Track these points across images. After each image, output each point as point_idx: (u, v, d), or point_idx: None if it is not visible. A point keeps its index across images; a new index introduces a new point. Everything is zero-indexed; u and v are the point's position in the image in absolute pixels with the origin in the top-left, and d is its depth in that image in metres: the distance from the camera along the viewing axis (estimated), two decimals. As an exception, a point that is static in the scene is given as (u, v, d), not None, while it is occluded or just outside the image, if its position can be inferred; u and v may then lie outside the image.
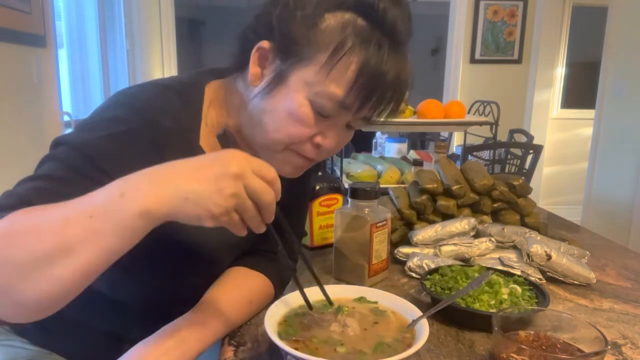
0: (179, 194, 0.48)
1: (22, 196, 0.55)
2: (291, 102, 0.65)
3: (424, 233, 0.99)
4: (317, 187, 1.05)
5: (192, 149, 0.69)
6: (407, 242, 1.03)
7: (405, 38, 0.66)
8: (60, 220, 0.48)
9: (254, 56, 0.68)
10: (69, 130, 2.44)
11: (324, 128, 0.68)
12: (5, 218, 0.50)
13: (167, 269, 0.72)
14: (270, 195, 0.52)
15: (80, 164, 0.60)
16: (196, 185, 0.48)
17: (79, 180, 0.58)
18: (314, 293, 0.68)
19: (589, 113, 3.72)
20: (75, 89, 2.87)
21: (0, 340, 0.79)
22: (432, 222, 1.04)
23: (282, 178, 0.83)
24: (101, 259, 0.48)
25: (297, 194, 0.89)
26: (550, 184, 4.54)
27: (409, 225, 1.07)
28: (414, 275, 0.93)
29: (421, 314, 0.63)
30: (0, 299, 0.48)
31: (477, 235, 1.02)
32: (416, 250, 0.98)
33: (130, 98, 0.67)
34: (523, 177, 1.18)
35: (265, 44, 0.67)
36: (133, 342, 0.62)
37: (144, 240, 0.51)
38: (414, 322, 0.62)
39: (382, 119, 0.72)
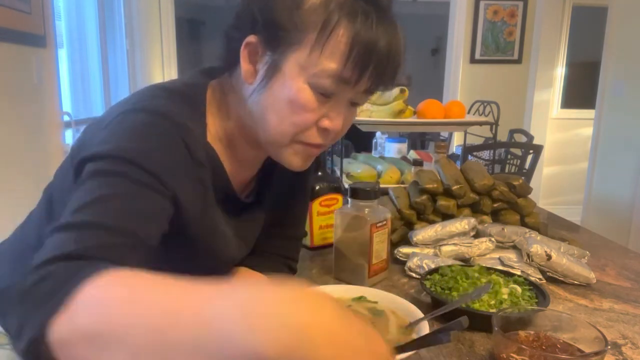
0: (305, 350, 0.34)
1: (92, 223, 0.51)
2: (290, 89, 0.64)
3: (424, 233, 0.99)
4: (317, 187, 1.05)
5: (207, 149, 0.69)
6: (407, 242, 1.03)
7: (389, 4, 0.66)
8: (169, 315, 0.39)
9: (243, 54, 0.67)
10: (69, 131, 2.44)
11: (328, 109, 0.67)
12: (101, 279, 0.42)
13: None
14: None
15: (127, 170, 0.56)
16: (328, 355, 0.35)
17: (135, 188, 0.56)
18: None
19: (589, 113, 3.72)
20: (75, 89, 2.87)
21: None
22: (432, 222, 1.04)
23: (282, 177, 0.84)
24: None
25: (297, 194, 0.89)
26: (550, 184, 4.54)
27: (409, 225, 1.07)
28: (414, 275, 0.93)
29: (421, 313, 0.63)
30: None
31: (477, 235, 1.02)
32: (416, 250, 0.98)
33: (144, 103, 0.65)
34: (523, 177, 1.18)
35: (252, 38, 0.66)
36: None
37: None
38: (414, 322, 0.62)
39: (381, 90, 0.71)
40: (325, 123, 0.68)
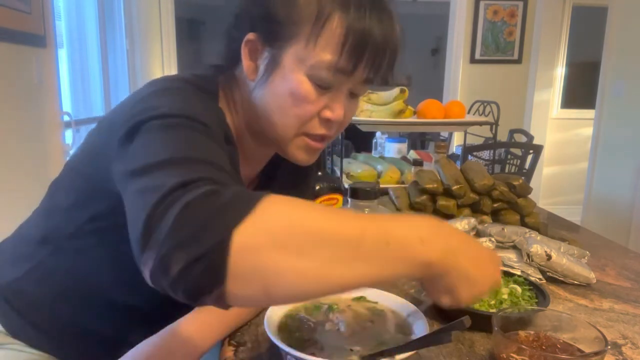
0: (459, 263, 0.49)
1: (197, 158, 0.50)
2: (290, 82, 0.66)
3: (424, 233, 0.99)
4: (317, 187, 1.05)
5: (230, 136, 0.70)
6: (407, 242, 1.02)
7: None
8: (358, 230, 0.45)
9: (244, 51, 0.68)
10: (69, 131, 2.44)
11: (329, 101, 0.68)
12: (263, 205, 0.43)
13: None
14: None
15: (198, 126, 0.56)
16: (473, 263, 0.51)
17: (209, 138, 0.56)
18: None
19: (589, 113, 3.72)
20: (75, 89, 2.87)
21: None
22: (432, 222, 1.04)
23: (285, 176, 0.84)
24: (367, 281, 0.46)
25: (299, 193, 0.89)
26: (550, 184, 4.54)
27: (409, 225, 1.07)
28: (414, 275, 0.92)
29: (421, 313, 0.62)
30: (255, 284, 0.42)
31: (477, 235, 1.02)
32: (416, 250, 0.98)
33: (174, 84, 0.66)
34: (523, 177, 1.18)
35: (251, 36, 0.68)
36: (132, 345, 0.62)
37: None
38: (414, 322, 0.62)
39: (368, 90, 0.72)
40: (327, 114, 0.69)
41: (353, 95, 0.72)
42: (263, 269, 0.41)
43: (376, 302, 0.68)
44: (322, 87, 0.66)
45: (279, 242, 0.42)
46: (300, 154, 0.72)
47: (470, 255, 0.51)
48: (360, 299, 0.69)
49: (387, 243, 0.46)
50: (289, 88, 0.66)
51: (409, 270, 0.47)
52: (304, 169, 0.81)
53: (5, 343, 0.77)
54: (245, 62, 0.69)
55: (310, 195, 0.98)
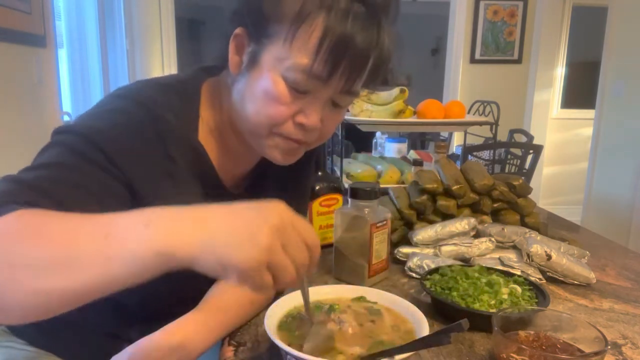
0: (205, 237, 0.44)
1: (30, 183, 0.53)
2: (265, 81, 0.65)
3: (424, 233, 0.99)
4: (317, 187, 1.05)
5: (191, 144, 0.69)
6: (407, 242, 1.03)
7: (381, 6, 0.64)
8: (73, 231, 0.46)
9: (231, 45, 0.68)
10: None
11: (304, 106, 0.66)
12: (15, 213, 0.47)
13: None
14: (305, 258, 0.47)
15: (85, 149, 0.59)
16: (227, 230, 0.44)
17: (86, 166, 0.58)
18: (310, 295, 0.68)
19: (589, 113, 3.72)
20: (75, 89, 2.87)
21: None
22: (432, 222, 1.04)
23: (279, 175, 0.84)
24: (99, 286, 0.44)
25: (296, 193, 0.89)
26: (550, 184, 4.54)
27: (409, 225, 1.07)
28: (414, 275, 0.93)
29: (421, 313, 0.62)
30: None
31: (477, 235, 1.02)
32: (416, 250, 0.98)
33: (132, 92, 0.67)
34: (523, 177, 1.18)
35: (239, 30, 0.67)
36: (131, 342, 0.62)
37: None
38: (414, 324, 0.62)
39: (366, 92, 0.71)
40: (301, 119, 0.67)
41: (336, 105, 0.69)
42: None
43: (376, 302, 0.68)
44: (298, 90, 0.64)
45: None
46: (275, 153, 0.71)
47: (218, 216, 0.45)
48: (360, 299, 0.69)
49: (105, 236, 0.44)
50: (263, 86, 0.65)
51: (145, 266, 0.44)
52: (300, 167, 0.80)
53: (8, 341, 0.78)
54: (231, 56, 0.68)
55: (307, 196, 0.98)
